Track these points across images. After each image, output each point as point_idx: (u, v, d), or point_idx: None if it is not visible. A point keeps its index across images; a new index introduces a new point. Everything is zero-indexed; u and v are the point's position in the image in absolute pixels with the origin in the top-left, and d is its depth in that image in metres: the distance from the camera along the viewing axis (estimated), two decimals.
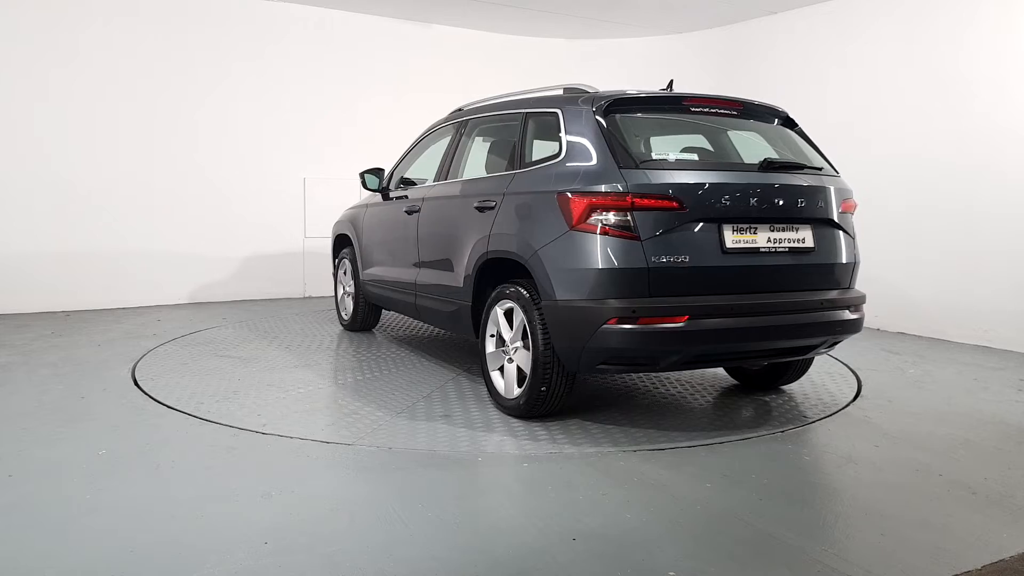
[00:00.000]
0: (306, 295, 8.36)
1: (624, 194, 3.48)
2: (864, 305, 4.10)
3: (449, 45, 8.83)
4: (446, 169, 4.92)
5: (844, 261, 4.00)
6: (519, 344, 3.92)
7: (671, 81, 4.37)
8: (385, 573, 2.40)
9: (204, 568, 2.40)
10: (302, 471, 3.28)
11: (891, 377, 5.06)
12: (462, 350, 5.67)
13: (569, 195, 3.60)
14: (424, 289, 4.91)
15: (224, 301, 7.87)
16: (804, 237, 3.84)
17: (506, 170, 4.32)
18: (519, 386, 3.93)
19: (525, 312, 3.80)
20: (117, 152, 7.27)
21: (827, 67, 7.24)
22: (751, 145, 4.17)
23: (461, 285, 4.38)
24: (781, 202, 3.73)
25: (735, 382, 4.88)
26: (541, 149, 4.16)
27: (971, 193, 6.14)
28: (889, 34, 6.72)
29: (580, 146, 3.75)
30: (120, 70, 7.24)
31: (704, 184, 3.61)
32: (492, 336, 4.13)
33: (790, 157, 4.05)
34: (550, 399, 3.82)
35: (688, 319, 3.47)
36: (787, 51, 7.67)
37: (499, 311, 4.04)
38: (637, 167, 3.57)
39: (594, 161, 3.65)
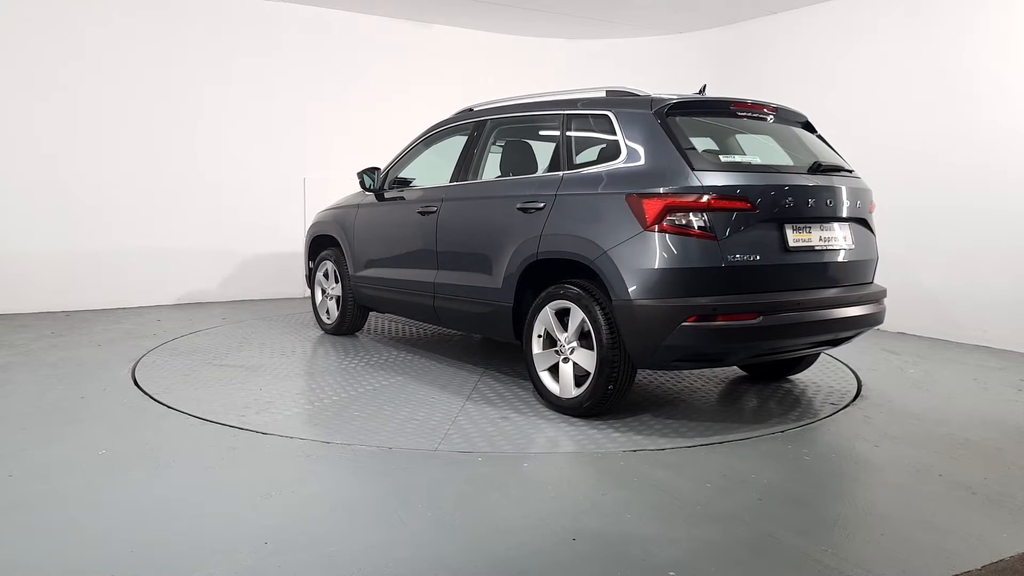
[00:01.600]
0: (306, 294, 8.36)
1: (701, 195, 3.58)
2: (885, 299, 4.35)
3: (449, 45, 8.83)
4: (466, 169, 4.86)
5: (872, 257, 4.30)
6: (575, 344, 3.96)
7: (704, 86, 4.46)
8: (385, 573, 2.40)
9: (204, 568, 2.40)
10: (302, 471, 3.28)
11: (891, 377, 5.06)
12: (469, 349, 5.68)
13: (642, 196, 3.65)
14: (447, 290, 4.83)
15: (224, 301, 7.87)
16: (846, 235, 4.09)
17: (549, 171, 4.33)
18: (577, 386, 3.96)
19: (587, 312, 3.83)
20: (117, 152, 7.27)
21: (827, 67, 7.24)
22: (787, 148, 4.30)
23: (499, 286, 4.35)
24: (830, 203, 3.98)
25: (737, 375, 4.92)
26: (589, 151, 4.21)
27: (972, 193, 6.14)
28: (890, 34, 6.72)
29: (644, 148, 3.81)
30: (120, 70, 7.23)
31: (770, 185, 3.77)
32: (539, 337, 4.14)
33: (830, 160, 4.23)
34: (615, 397, 3.88)
35: (761, 316, 3.61)
36: (787, 51, 7.67)
37: (550, 311, 4.05)
38: (706, 169, 3.68)
39: (663, 163, 3.72)
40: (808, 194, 3.87)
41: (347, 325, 6.06)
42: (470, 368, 5.09)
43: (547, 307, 4.07)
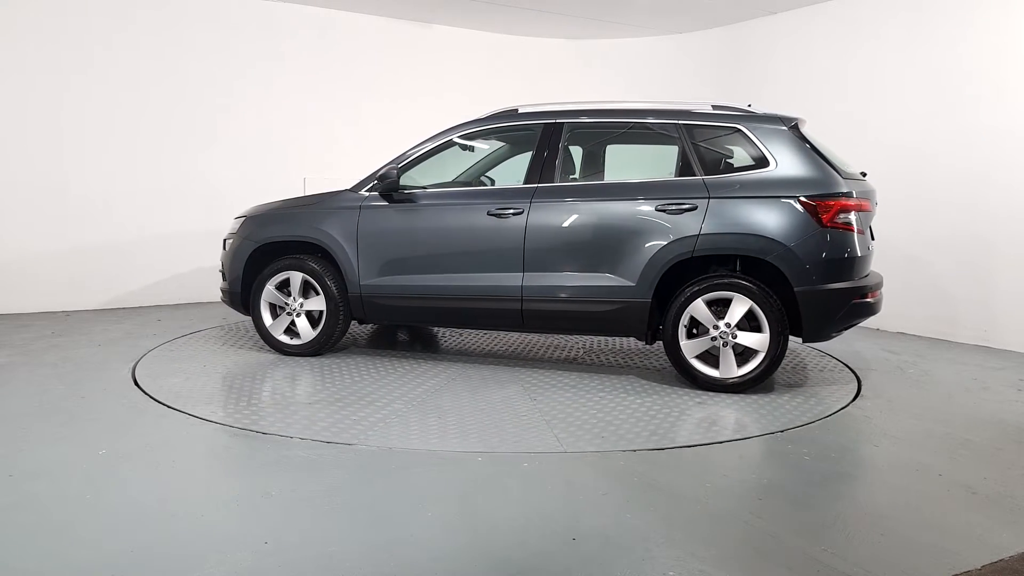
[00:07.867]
0: None
1: (855, 197, 4.42)
2: None
3: (449, 45, 8.83)
4: (551, 171, 4.86)
5: None
6: (735, 329, 4.48)
7: (750, 105, 4.83)
8: (385, 573, 2.40)
9: (204, 568, 2.40)
10: (302, 471, 3.28)
11: (891, 377, 5.06)
12: (457, 348, 5.67)
13: (816, 199, 4.35)
14: (543, 292, 4.79)
15: None
16: (872, 228, 4.90)
17: (681, 175, 4.71)
18: (739, 366, 4.50)
19: (756, 300, 4.39)
20: (117, 153, 7.26)
21: (827, 68, 7.24)
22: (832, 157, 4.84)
23: (634, 284, 4.61)
24: (874, 203, 4.83)
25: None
26: (723, 159, 4.75)
27: (971, 193, 6.14)
28: (890, 34, 6.72)
29: (794, 158, 4.49)
30: (120, 72, 7.22)
31: (869, 190, 4.72)
32: (684, 327, 4.56)
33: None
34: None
35: (879, 292, 4.67)
36: (787, 52, 7.66)
37: (701, 302, 4.49)
38: (846, 177, 4.52)
39: (819, 171, 4.45)
40: (871, 196, 4.77)
41: (332, 343, 5.36)
42: (470, 367, 5.09)
43: (699, 299, 4.50)
